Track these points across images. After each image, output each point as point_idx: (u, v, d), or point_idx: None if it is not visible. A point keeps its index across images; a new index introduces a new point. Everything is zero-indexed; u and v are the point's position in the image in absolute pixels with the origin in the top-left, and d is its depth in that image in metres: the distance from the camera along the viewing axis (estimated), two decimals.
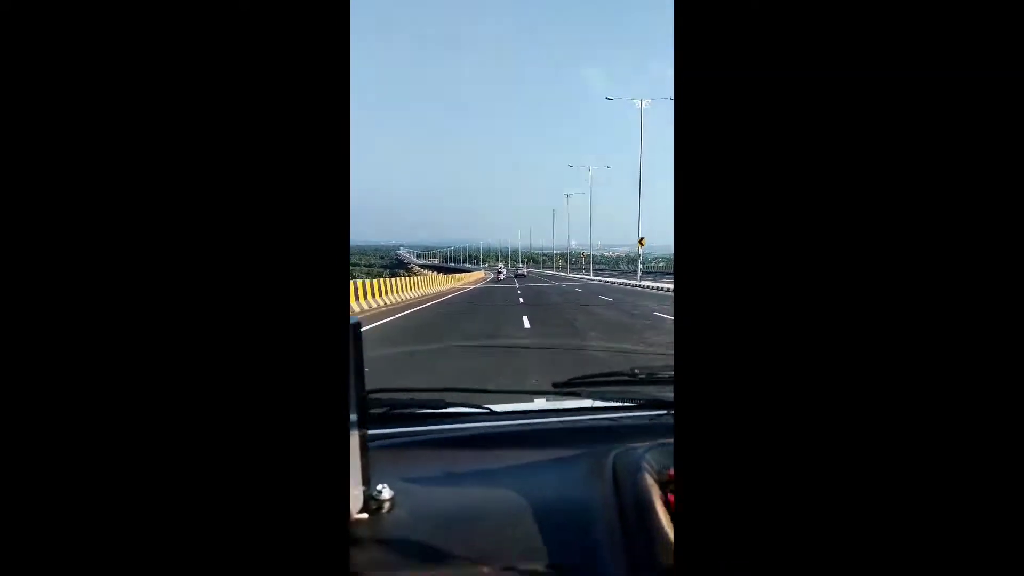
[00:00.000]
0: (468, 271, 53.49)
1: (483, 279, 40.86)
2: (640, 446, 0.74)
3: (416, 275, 24.70)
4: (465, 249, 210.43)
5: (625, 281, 32.80)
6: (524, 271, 66.68)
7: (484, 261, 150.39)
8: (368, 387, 0.64)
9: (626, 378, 1.15)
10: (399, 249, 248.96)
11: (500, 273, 51.13)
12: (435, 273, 33.96)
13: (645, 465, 0.67)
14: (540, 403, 1.19)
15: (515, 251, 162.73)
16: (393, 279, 18.18)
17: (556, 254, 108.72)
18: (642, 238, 36.83)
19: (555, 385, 1.11)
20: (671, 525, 0.56)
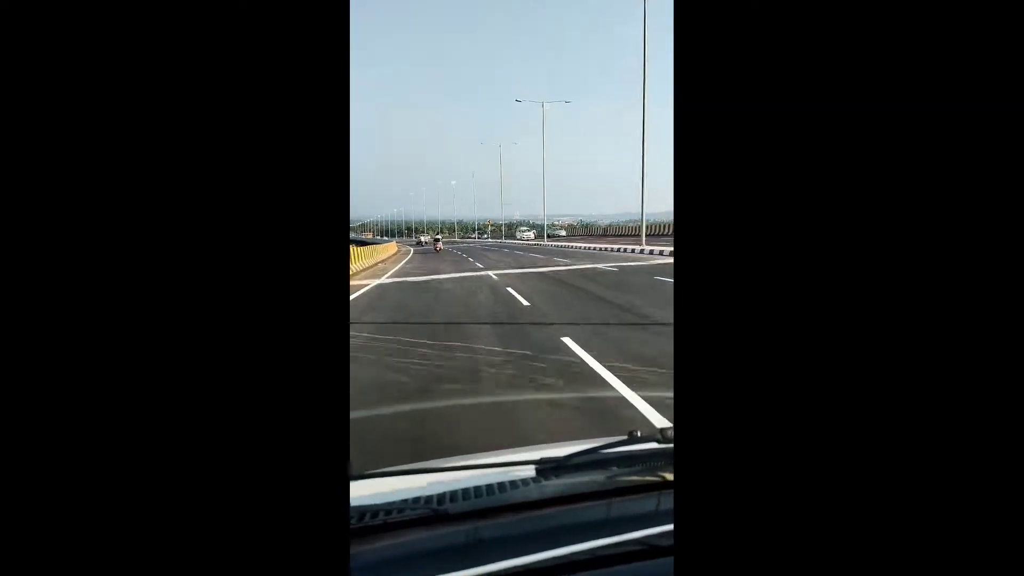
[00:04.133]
0: (378, 243, 37.72)
1: (392, 257, 25.66)
2: None
3: None
4: (404, 222, 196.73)
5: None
6: (427, 240, 49.93)
7: (419, 232, 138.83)
8: None
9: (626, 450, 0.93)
10: None
11: (420, 243, 44.90)
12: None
13: None
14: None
15: (460, 221, 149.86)
16: None
17: (501, 224, 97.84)
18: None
19: (535, 475, 0.87)
20: None
